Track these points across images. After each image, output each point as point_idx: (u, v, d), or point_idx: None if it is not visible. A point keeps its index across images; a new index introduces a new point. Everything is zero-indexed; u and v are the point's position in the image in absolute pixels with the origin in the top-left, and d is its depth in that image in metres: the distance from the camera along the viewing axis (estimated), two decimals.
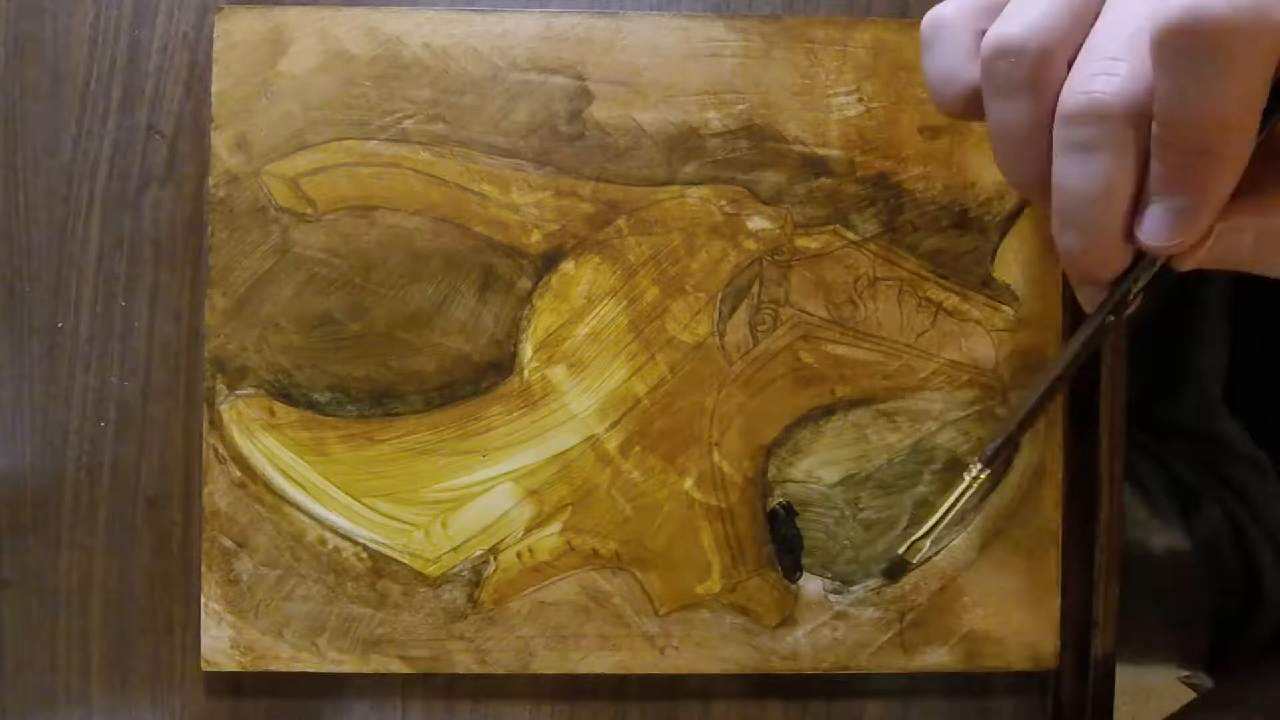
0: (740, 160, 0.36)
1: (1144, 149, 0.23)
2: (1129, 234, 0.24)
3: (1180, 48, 0.21)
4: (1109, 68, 0.22)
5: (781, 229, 0.36)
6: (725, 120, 0.36)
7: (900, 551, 0.30)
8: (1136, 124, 0.23)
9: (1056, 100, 0.23)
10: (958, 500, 0.28)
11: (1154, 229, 0.24)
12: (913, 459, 0.36)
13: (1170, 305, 0.52)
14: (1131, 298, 0.25)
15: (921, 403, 0.36)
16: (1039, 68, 0.24)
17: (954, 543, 0.36)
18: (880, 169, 0.36)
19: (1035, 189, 0.25)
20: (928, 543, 0.29)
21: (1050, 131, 0.24)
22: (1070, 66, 0.24)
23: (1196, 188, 0.23)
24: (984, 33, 0.25)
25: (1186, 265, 0.25)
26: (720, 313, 0.36)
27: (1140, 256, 0.25)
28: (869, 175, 0.36)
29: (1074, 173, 0.24)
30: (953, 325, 0.36)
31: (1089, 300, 0.26)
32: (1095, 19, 0.23)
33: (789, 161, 0.36)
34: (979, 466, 0.28)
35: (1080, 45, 0.23)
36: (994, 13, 0.25)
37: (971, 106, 0.26)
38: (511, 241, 0.36)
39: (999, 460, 0.28)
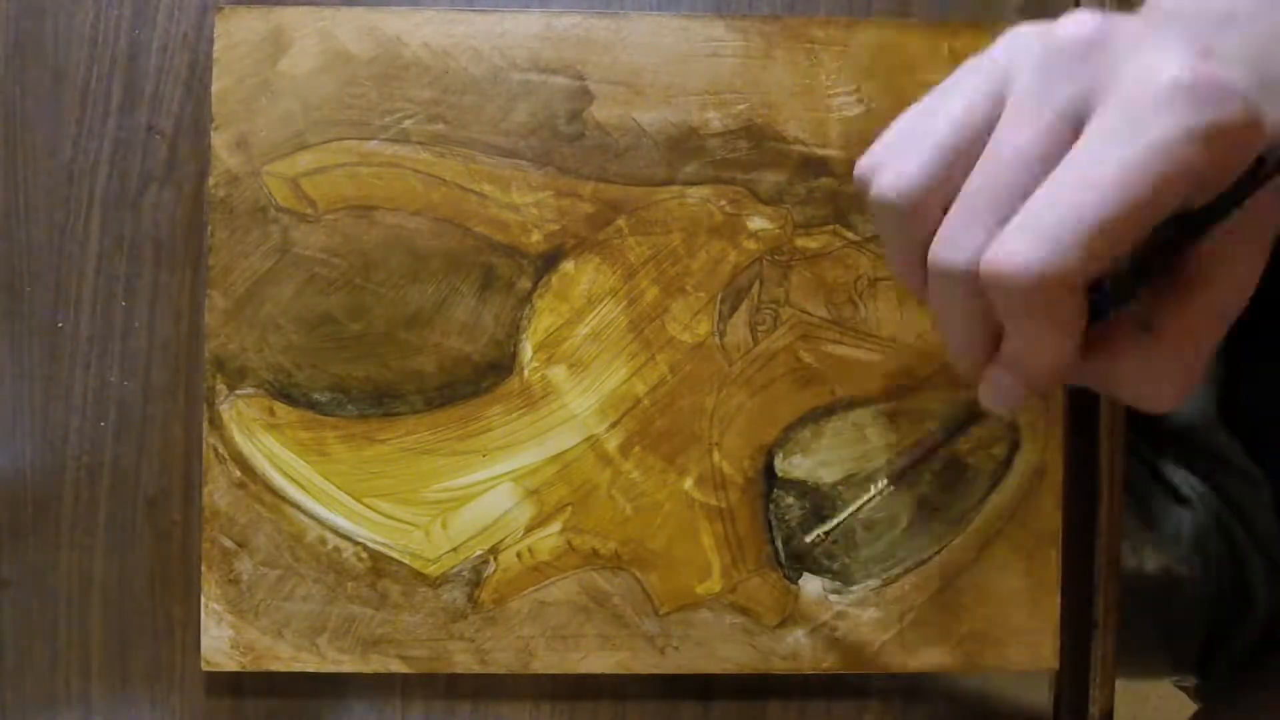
0: (740, 160, 0.36)
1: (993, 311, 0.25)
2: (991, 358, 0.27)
3: (988, 284, 0.23)
4: (963, 239, 0.24)
5: (781, 229, 0.36)
6: (725, 120, 0.36)
7: (807, 539, 0.35)
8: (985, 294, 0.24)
9: (929, 241, 0.25)
10: (860, 508, 0.34)
11: (990, 397, 0.27)
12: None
13: None
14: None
15: (921, 403, 0.36)
16: (911, 221, 0.26)
17: (954, 543, 0.36)
18: None
19: (916, 294, 0.28)
20: (826, 536, 0.35)
21: (922, 257, 0.26)
22: (945, 211, 0.25)
23: (1015, 367, 0.26)
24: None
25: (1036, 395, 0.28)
26: (720, 313, 0.36)
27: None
28: None
29: (940, 315, 0.27)
30: None
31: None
32: (968, 172, 0.25)
33: (789, 161, 0.36)
34: (885, 482, 0.33)
35: (955, 191, 0.25)
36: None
37: None
38: (511, 241, 0.36)
39: (905, 480, 0.34)
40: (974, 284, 0.24)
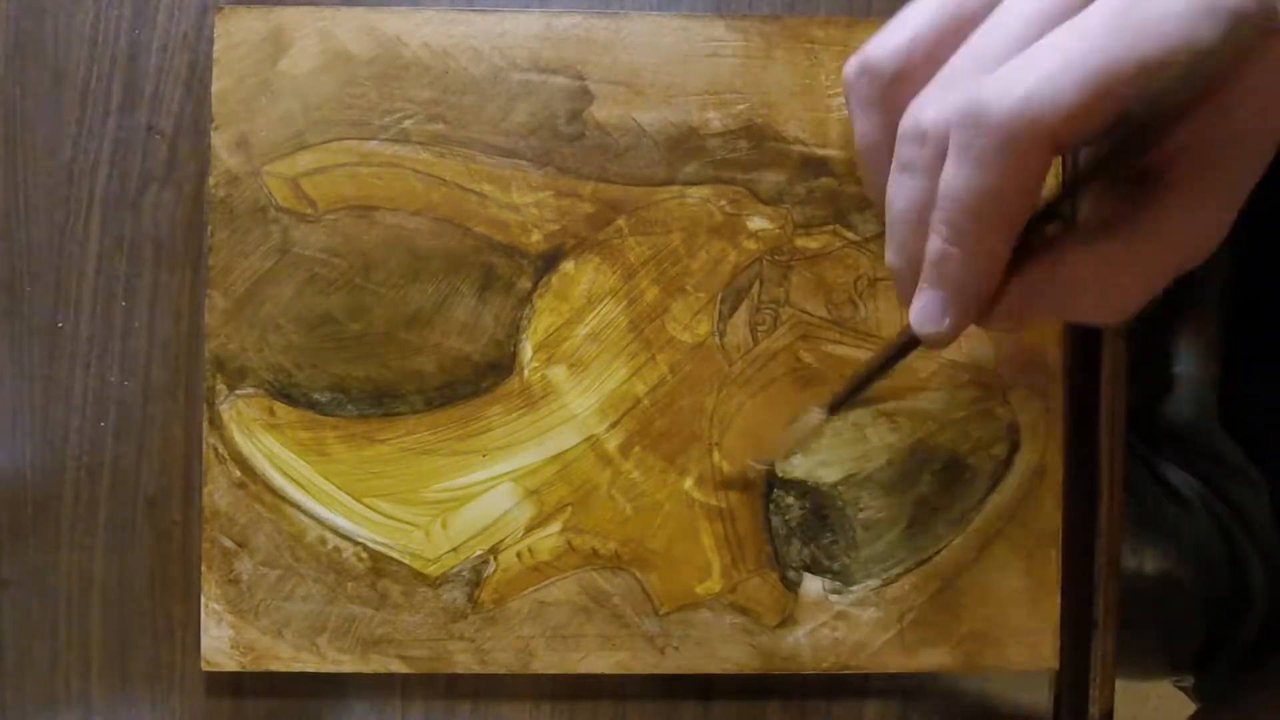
0: (740, 160, 0.36)
1: None
2: None
3: (962, 136, 0.22)
4: (940, 98, 0.23)
5: (781, 229, 0.36)
6: (725, 120, 0.36)
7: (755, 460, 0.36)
8: None
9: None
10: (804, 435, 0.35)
11: (916, 316, 0.25)
12: (913, 459, 0.36)
13: (1165, 316, 0.52)
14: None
15: (921, 403, 0.36)
16: (892, 88, 0.25)
17: (954, 543, 0.36)
18: None
19: (882, 204, 0.26)
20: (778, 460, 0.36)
21: (888, 150, 0.25)
22: None
23: (951, 282, 0.24)
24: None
25: (992, 326, 0.26)
26: (720, 313, 0.36)
27: None
28: None
29: (896, 190, 0.25)
30: None
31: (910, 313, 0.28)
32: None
33: (789, 161, 0.36)
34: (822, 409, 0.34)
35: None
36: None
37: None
38: (511, 241, 0.36)
39: (838, 411, 0.35)
40: (940, 141, 0.23)
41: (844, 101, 0.28)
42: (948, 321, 0.25)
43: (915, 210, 0.25)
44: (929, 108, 0.24)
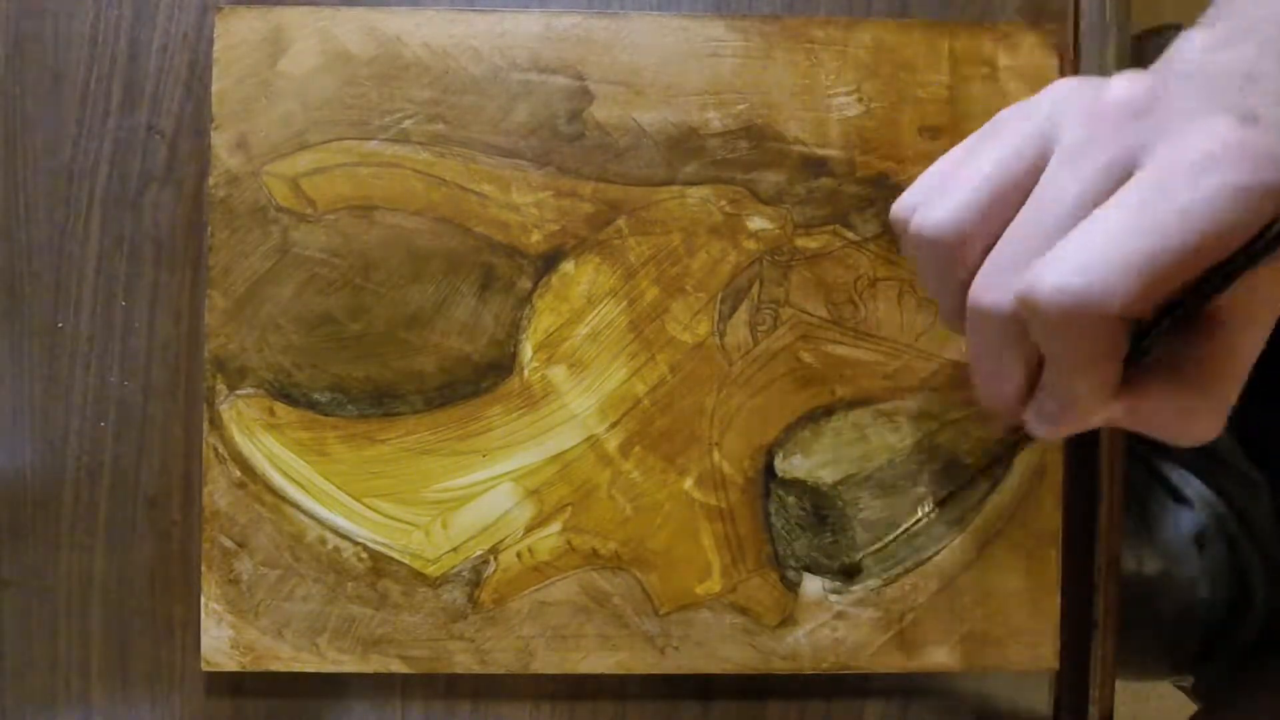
0: (740, 160, 0.36)
1: (1034, 350, 0.26)
2: (1025, 397, 0.27)
3: (1024, 312, 0.24)
4: (1004, 281, 0.25)
5: (781, 229, 0.36)
6: (725, 120, 0.36)
7: (857, 559, 0.36)
8: (1027, 335, 0.25)
9: (970, 279, 0.26)
10: (908, 529, 0.35)
11: (1031, 420, 0.27)
12: (913, 459, 0.36)
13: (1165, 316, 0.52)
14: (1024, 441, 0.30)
15: (921, 403, 0.36)
16: (951, 257, 0.26)
17: (954, 543, 0.36)
18: (880, 169, 0.36)
19: (961, 332, 0.28)
20: (873, 557, 0.36)
21: (961, 290, 0.27)
22: (988, 250, 0.26)
23: (1059, 398, 0.26)
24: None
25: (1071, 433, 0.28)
26: (720, 313, 0.36)
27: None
28: (869, 175, 0.36)
29: (976, 353, 0.27)
30: None
31: (1000, 429, 0.31)
32: (1011, 214, 0.26)
33: (789, 161, 0.36)
34: (930, 506, 0.35)
35: (998, 231, 0.26)
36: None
37: None
38: (511, 241, 0.36)
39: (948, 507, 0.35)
40: (1014, 324, 0.25)
41: (895, 231, 0.29)
42: (1060, 426, 0.27)
43: (992, 375, 0.27)
44: (995, 295, 0.25)
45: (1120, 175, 0.23)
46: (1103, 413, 0.26)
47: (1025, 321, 0.25)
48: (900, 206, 0.28)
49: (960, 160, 0.27)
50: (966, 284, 0.26)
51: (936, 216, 0.26)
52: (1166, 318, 0.24)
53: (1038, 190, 0.25)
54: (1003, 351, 0.26)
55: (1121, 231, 0.22)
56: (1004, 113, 0.27)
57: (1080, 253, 0.23)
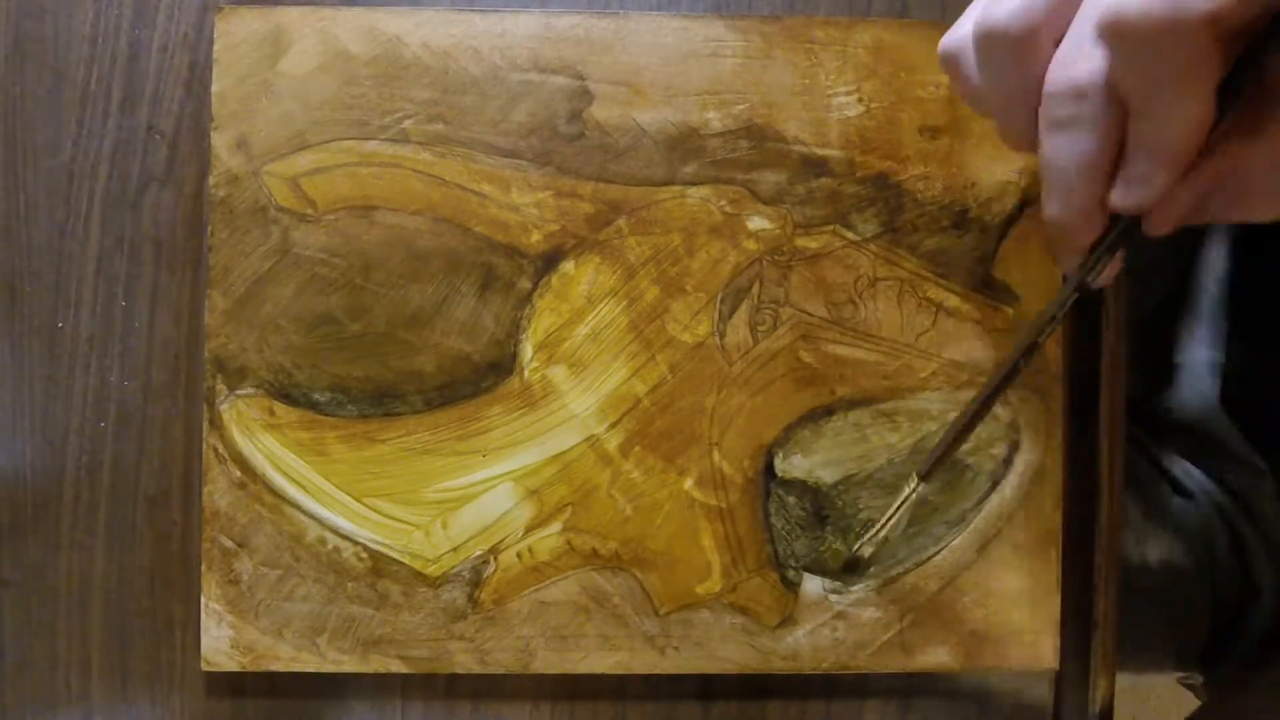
0: (740, 160, 0.36)
1: (1119, 126, 0.25)
2: (1102, 206, 0.26)
3: (1111, 40, 0.23)
4: (1087, 52, 0.24)
5: (781, 229, 0.36)
6: (725, 120, 0.36)
7: (854, 550, 0.35)
8: (1113, 103, 0.24)
9: (1042, 77, 0.25)
10: (898, 509, 0.33)
11: (1120, 193, 0.26)
12: (913, 459, 0.36)
13: (1165, 306, 0.52)
14: (1102, 264, 0.28)
15: (921, 403, 0.36)
16: (1023, 48, 0.25)
17: (954, 543, 0.36)
18: (880, 169, 0.36)
19: (1027, 149, 0.27)
20: (871, 546, 0.35)
21: (1037, 104, 0.26)
22: (1055, 45, 0.25)
23: (1151, 154, 0.25)
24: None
25: (1160, 229, 0.26)
26: (720, 313, 0.36)
27: (1115, 223, 0.27)
28: (869, 175, 0.36)
29: (1057, 146, 0.26)
30: (953, 325, 0.36)
31: (1068, 266, 0.28)
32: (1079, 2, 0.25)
33: (789, 161, 0.36)
34: (916, 480, 0.33)
35: (1065, 25, 0.25)
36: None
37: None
38: (511, 241, 0.36)
39: (933, 473, 0.33)
40: (1098, 94, 0.24)
41: (949, 80, 0.29)
42: (1158, 186, 0.25)
43: (1078, 165, 0.25)
44: (1080, 64, 0.24)
45: None
46: (1189, 181, 0.25)
47: (1109, 83, 0.24)
48: (950, 39, 0.28)
49: None
50: (1035, 86, 0.25)
51: (1005, 8, 0.25)
52: (1247, 60, 0.23)
53: None
54: (1085, 133, 0.25)
55: None
56: None
57: None
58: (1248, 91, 0.24)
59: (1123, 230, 0.27)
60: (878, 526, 0.34)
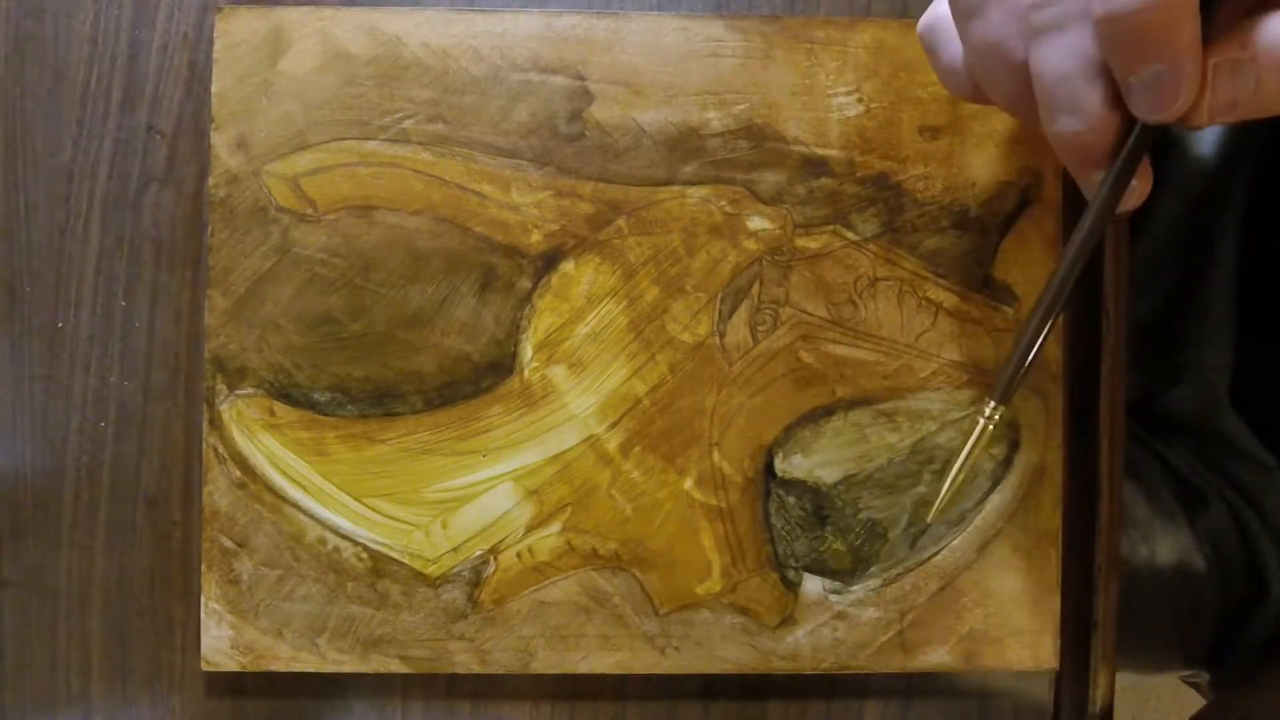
0: (740, 160, 0.36)
1: None
2: (1113, 104, 0.25)
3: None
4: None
5: (781, 229, 0.36)
6: (725, 120, 0.36)
7: (936, 506, 0.32)
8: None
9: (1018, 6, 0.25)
10: (976, 443, 0.31)
11: (1142, 104, 0.24)
12: (913, 459, 0.36)
13: (1173, 303, 0.52)
14: (1124, 175, 0.26)
15: (921, 403, 0.36)
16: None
17: (954, 543, 0.36)
18: (880, 169, 0.36)
19: (1019, 101, 0.26)
20: (949, 491, 0.32)
21: (1017, 36, 0.25)
22: None
23: (1159, 52, 0.24)
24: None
25: (1198, 124, 0.25)
26: (720, 313, 0.36)
27: (1131, 127, 0.26)
28: (869, 175, 0.36)
29: (1048, 55, 0.25)
30: (953, 325, 0.36)
31: (1091, 186, 0.27)
32: None
33: (789, 161, 0.36)
34: (991, 406, 0.30)
35: None
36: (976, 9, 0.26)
37: (980, 89, 0.28)
38: (511, 241, 0.36)
39: (1012, 394, 0.30)
40: (1087, 21, 0.24)
41: (926, 50, 0.29)
42: (1183, 91, 0.24)
43: (1078, 64, 0.25)
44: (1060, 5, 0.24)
45: None
46: (1217, 70, 0.24)
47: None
48: (925, 17, 0.28)
49: None
50: (1011, 12, 0.25)
51: None
52: None
53: None
54: (1075, 26, 0.24)
55: None
56: None
57: None
58: None
59: (1144, 130, 0.26)
60: (956, 468, 0.31)
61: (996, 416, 0.30)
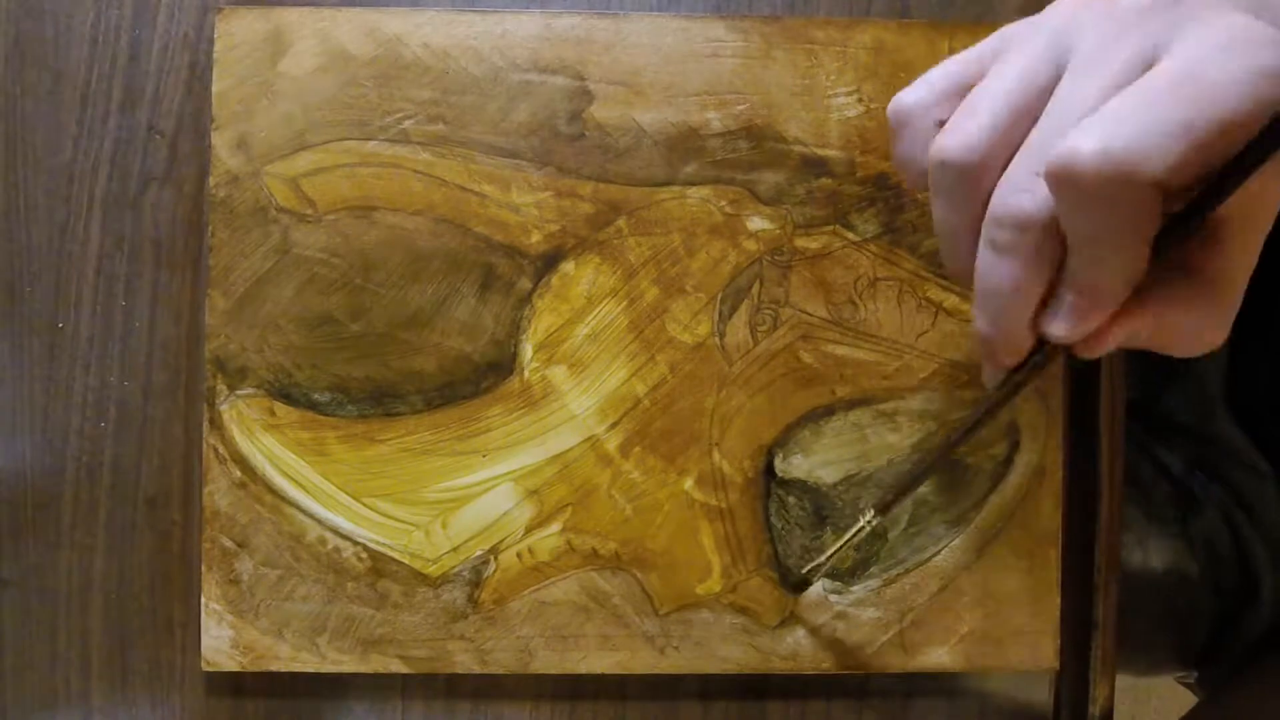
0: (740, 160, 0.36)
1: (1055, 257, 0.25)
2: (1034, 327, 0.27)
3: (1058, 186, 0.23)
4: (1031, 184, 0.25)
5: (781, 229, 0.36)
6: (725, 120, 0.36)
7: (804, 571, 0.35)
8: (1051, 235, 0.25)
9: (987, 203, 0.26)
10: (850, 539, 0.33)
11: (1052, 324, 0.26)
12: (913, 459, 0.36)
13: None
14: (1025, 382, 0.28)
15: (921, 403, 0.36)
16: (974, 180, 0.26)
17: (954, 543, 0.36)
18: (880, 169, 0.36)
19: (966, 278, 0.27)
20: (822, 570, 0.34)
21: (979, 229, 0.26)
22: (1003, 171, 0.26)
23: (1085, 293, 0.25)
24: (941, 122, 0.27)
25: (1088, 355, 0.27)
26: (720, 313, 0.36)
27: (1039, 348, 0.27)
28: (869, 175, 0.36)
29: (992, 269, 0.26)
30: (953, 325, 0.36)
31: (990, 378, 0.29)
32: (1029, 132, 0.25)
33: (789, 162, 0.36)
34: (872, 513, 0.32)
35: (1014, 154, 0.25)
36: (951, 100, 0.27)
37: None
38: (512, 241, 0.36)
39: (891, 509, 0.32)
40: (1038, 226, 0.24)
41: (890, 136, 0.29)
42: (1091, 318, 0.26)
43: (1011, 290, 0.26)
44: (1024, 196, 0.25)
45: (1141, 67, 0.23)
46: (1119, 321, 0.26)
47: (1051, 216, 0.24)
48: (897, 108, 0.28)
49: (961, 75, 0.27)
50: (979, 207, 0.26)
51: (958, 141, 0.26)
52: (1183, 218, 0.24)
53: (1056, 97, 0.25)
54: (1022, 262, 0.25)
55: (1158, 102, 0.22)
56: (1009, 29, 0.27)
57: (1118, 119, 0.22)
58: (1177, 246, 0.25)
59: (1044, 357, 0.27)
60: (826, 555, 0.33)
61: (874, 523, 0.32)
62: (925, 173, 0.27)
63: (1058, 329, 0.26)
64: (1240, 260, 0.26)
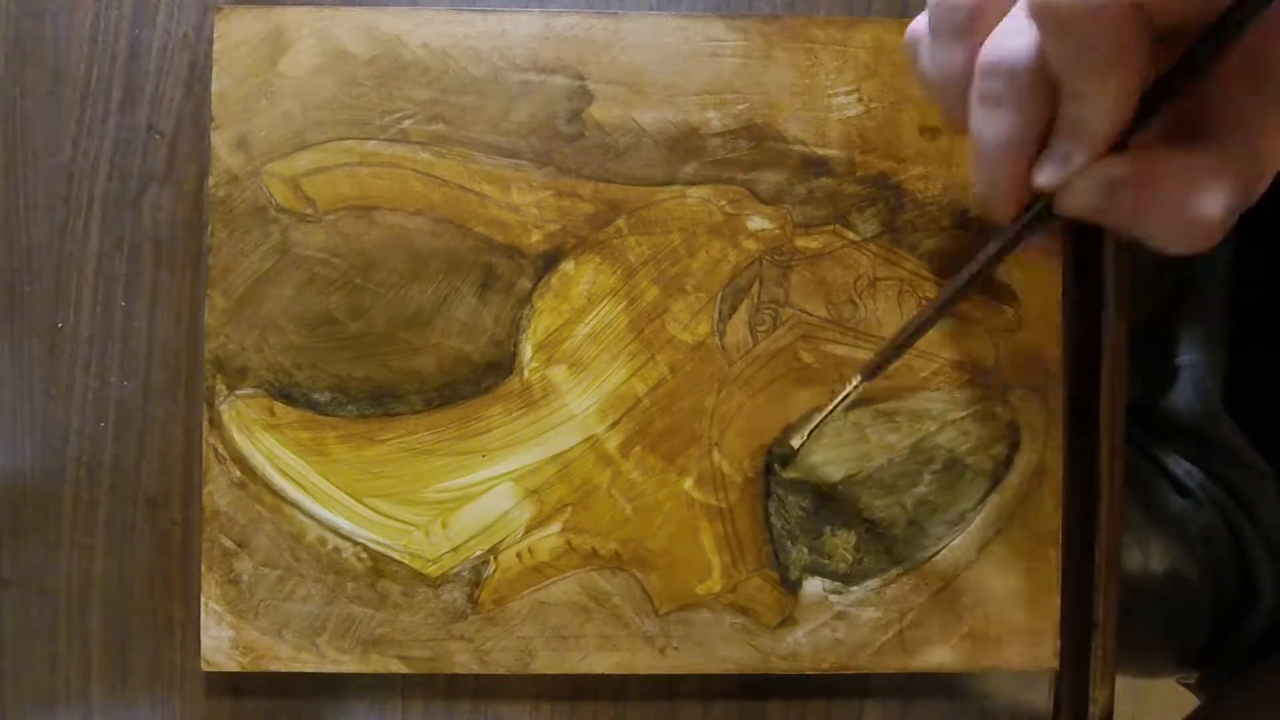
0: (740, 160, 0.36)
1: (1046, 111, 0.25)
2: (1027, 181, 0.26)
3: (1041, 18, 0.23)
4: (1022, 31, 0.24)
5: (781, 229, 0.36)
6: (725, 120, 0.36)
7: (792, 442, 0.35)
8: (1042, 84, 0.24)
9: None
10: (839, 403, 0.33)
11: (1039, 171, 0.26)
12: (913, 459, 0.36)
13: (1166, 306, 0.52)
14: (1021, 238, 0.28)
15: (921, 403, 0.36)
16: (973, 19, 0.26)
17: (954, 543, 0.36)
18: (880, 169, 0.36)
19: (956, 129, 0.28)
20: (807, 436, 0.35)
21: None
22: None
23: (1070, 135, 0.25)
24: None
25: (1065, 208, 0.26)
26: (720, 313, 0.36)
27: (1035, 201, 0.27)
28: (869, 175, 0.36)
29: (985, 122, 0.26)
30: (953, 325, 0.36)
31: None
32: None
33: (789, 161, 0.36)
34: (859, 378, 0.33)
35: (1010, 5, 0.25)
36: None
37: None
38: (511, 241, 0.36)
39: (877, 375, 0.33)
40: (1030, 70, 0.24)
41: (908, 58, 0.29)
42: (1074, 161, 0.25)
43: (1005, 143, 0.26)
44: (1012, 41, 0.24)
45: None
46: (1102, 163, 0.25)
47: (1040, 63, 0.24)
48: (913, 25, 0.28)
49: None
50: (973, 59, 0.26)
51: None
52: (1175, 71, 0.24)
53: None
54: (1014, 111, 0.25)
55: None
56: None
57: None
58: (1172, 108, 0.25)
59: (1037, 212, 0.27)
60: (815, 422, 0.34)
61: (860, 389, 0.33)
62: (938, 64, 0.27)
63: (1043, 176, 0.26)
64: (1247, 124, 0.24)
